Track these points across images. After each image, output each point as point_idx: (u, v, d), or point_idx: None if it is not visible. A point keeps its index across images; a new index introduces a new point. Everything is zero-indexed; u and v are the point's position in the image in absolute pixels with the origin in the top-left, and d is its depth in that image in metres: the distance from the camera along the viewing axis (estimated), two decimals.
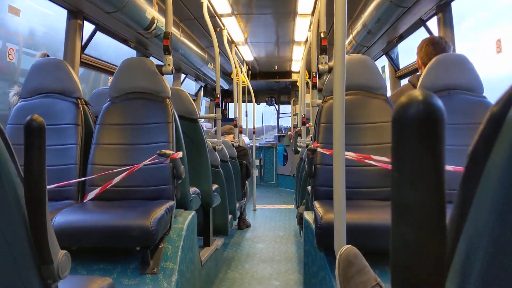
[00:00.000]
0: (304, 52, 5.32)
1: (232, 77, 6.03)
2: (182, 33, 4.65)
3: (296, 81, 7.82)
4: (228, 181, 3.76)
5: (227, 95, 9.41)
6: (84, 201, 2.07)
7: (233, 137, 5.29)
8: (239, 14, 4.66)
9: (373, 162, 1.95)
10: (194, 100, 6.56)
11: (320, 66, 2.41)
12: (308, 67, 5.07)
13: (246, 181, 5.17)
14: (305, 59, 4.86)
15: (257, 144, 9.03)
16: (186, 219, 2.20)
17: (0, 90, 3.16)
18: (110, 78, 2.76)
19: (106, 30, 3.50)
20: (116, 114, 2.31)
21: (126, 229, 1.75)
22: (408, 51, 4.12)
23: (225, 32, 4.92)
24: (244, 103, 7.53)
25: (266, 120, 10.92)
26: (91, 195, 2.04)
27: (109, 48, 4.41)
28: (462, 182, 0.40)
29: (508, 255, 0.31)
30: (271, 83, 9.15)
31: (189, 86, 7.30)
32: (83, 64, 3.21)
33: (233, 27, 5.04)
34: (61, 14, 3.03)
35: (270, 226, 5.11)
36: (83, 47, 3.16)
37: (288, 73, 8.51)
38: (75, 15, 3.02)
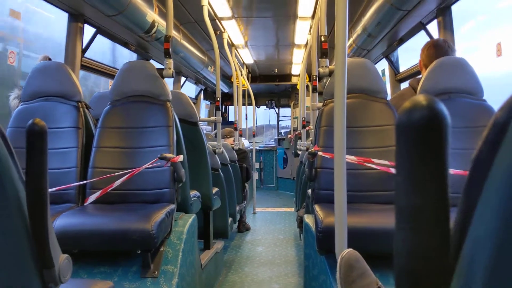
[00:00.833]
0: (304, 55, 5.33)
1: (232, 80, 6.03)
2: (183, 36, 4.66)
3: (296, 84, 7.83)
4: (228, 184, 3.75)
5: (227, 98, 9.42)
6: (85, 204, 2.07)
7: (233, 140, 5.29)
8: (239, 17, 4.67)
9: (374, 166, 1.95)
10: (194, 103, 6.57)
11: (321, 70, 2.41)
12: (308, 70, 5.08)
13: (246, 184, 5.16)
14: (305, 62, 4.86)
15: (257, 147, 9.03)
16: (187, 222, 2.20)
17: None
18: (111, 82, 2.76)
19: (106, 33, 3.50)
20: (117, 118, 2.31)
21: (127, 233, 1.75)
22: (408, 55, 4.13)
23: (225, 35, 4.92)
24: (244, 106, 7.53)
25: (266, 120, 10.97)
26: (91, 198, 2.04)
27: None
28: (466, 187, 0.40)
29: None
30: (271, 86, 9.15)
31: (189, 89, 7.31)
32: (83, 67, 3.21)
33: (233, 30, 5.05)
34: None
35: (270, 229, 5.10)
36: (84, 51, 3.17)
37: (288, 76, 8.51)
38: (76, 18, 3.03)
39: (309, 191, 2.45)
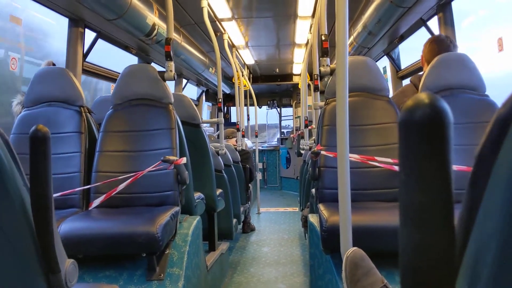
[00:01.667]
0: (305, 55, 5.33)
1: (233, 81, 6.04)
2: (183, 39, 4.67)
3: (298, 84, 7.83)
4: (231, 185, 3.75)
5: (229, 99, 9.42)
6: (89, 208, 2.07)
7: (236, 141, 5.29)
8: (240, 18, 4.68)
9: (377, 164, 1.95)
10: (196, 105, 6.58)
11: (322, 68, 2.41)
12: (309, 69, 5.07)
13: (250, 185, 5.17)
14: (306, 61, 4.86)
15: (260, 148, 9.03)
16: (191, 224, 2.20)
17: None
18: (112, 85, 2.76)
19: (107, 37, 3.51)
20: (119, 121, 2.32)
21: (132, 236, 1.75)
22: (409, 51, 4.12)
23: (225, 36, 4.93)
24: (246, 107, 7.54)
25: (269, 120, 11.01)
26: (96, 202, 2.04)
27: None
28: (470, 184, 0.40)
29: None
30: (273, 86, 9.16)
31: (191, 91, 7.32)
32: (85, 71, 3.22)
33: (233, 31, 5.05)
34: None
35: (275, 229, 5.10)
36: (85, 55, 3.17)
37: (289, 76, 8.52)
38: (76, 23, 3.04)
39: (313, 190, 2.45)
